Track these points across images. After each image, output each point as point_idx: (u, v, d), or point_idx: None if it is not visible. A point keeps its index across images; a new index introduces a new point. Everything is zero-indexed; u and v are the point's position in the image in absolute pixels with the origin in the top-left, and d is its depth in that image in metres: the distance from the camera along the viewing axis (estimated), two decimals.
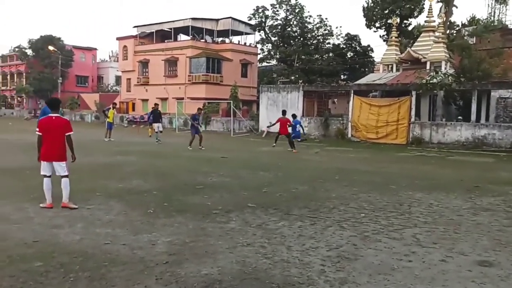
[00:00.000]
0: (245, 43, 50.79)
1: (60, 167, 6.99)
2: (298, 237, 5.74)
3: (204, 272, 4.39)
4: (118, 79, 62.05)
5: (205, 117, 36.19)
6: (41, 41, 60.61)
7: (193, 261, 4.67)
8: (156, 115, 22.43)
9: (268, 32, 44.39)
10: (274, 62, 46.85)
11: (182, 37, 50.95)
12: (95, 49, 71.28)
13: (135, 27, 51.37)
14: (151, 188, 8.90)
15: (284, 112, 20.01)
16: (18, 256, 4.63)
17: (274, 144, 19.66)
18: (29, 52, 63.39)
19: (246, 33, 49.78)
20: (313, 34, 44.51)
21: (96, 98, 54.67)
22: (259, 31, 44.23)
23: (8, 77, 70.17)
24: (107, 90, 64.66)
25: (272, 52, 45.10)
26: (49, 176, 7.04)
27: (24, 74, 65.12)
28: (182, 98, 42.40)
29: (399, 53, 31.06)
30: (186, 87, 45.36)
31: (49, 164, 6.99)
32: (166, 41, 49.44)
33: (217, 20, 48.25)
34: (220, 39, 51.03)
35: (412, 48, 30.11)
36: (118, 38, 53.44)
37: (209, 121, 35.89)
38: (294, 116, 20.72)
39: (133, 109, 50.78)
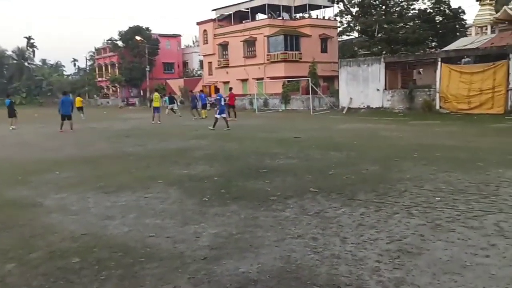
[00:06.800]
0: (323, 17, 49.18)
1: None
2: (357, 227, 5.17)
3: (241, 270, 4.01)
4: (201, 64, 63.48)
5: (285, 95, 35.74)
6: (130, 32, 63.23)
7: (233, 257, 4.32)
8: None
9: (347, 3, 42.27)
10: (355, 34, 44.68)
11: (259, 16, 50.59)
12: (179, 35, 73.34)
13: (213, 10, 51.98)
14: (214, 173, 8.71)
15: None
16: (60, 252, 4.58)
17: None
18: (120, 43, 66.70)
19: (325, 6, 48.04)
20: (396, 0, 41.60)
21: (181, 83, 56.54)
22: (337, 3, 42.34)
23: (103, 68, 74.72)
24: (192, 75, 66.52)
25: (352, 24, 42.91)
26: None
27: (116, 65, 68.79)
28: (262, 78, 42.26)
29: (494, 13, 28.02)
30: (266, 67, 45.10)
31: None
32: (244, 21, 49.38)
33: None
34: (299, 15, 49.88)
35: (510, 6, 26.95)
36: (198, 23, 54.47)
37: (288, 100, 35.38)
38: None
39: (216, 92, 51.71)
